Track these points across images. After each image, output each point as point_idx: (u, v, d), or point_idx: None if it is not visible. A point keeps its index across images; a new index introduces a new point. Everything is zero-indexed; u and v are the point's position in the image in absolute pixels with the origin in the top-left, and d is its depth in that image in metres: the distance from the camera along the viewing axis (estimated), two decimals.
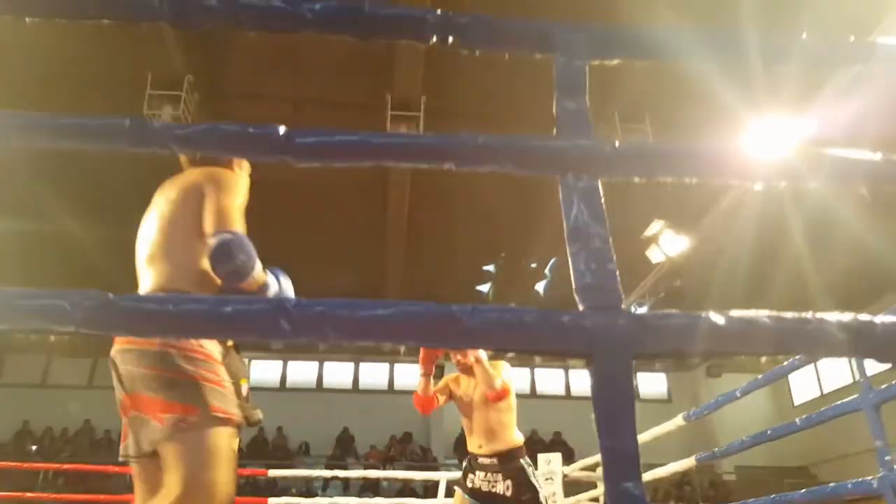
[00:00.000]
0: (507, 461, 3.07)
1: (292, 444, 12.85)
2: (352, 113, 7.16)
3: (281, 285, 1.81)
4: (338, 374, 14.17)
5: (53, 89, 6.16)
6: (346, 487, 11.89)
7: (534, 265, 10.07)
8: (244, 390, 3.39)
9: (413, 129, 6.40)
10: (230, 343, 3.49)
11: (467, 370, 3.29)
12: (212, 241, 1.52)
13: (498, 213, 8.89)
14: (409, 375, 14.21)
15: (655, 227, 8.65)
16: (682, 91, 6.19)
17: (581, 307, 0.90)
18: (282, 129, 1.00)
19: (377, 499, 6.80)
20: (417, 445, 13.29)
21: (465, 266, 10.45)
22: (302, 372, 14.03)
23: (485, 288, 10.86)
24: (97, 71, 6.20)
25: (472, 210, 9.00)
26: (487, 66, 6.33)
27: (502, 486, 3.02)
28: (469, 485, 3.15)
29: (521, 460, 3.08)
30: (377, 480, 11.16)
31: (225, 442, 1.48)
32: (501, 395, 3.06)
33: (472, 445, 3.23)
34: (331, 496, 9.50)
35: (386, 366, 14.25)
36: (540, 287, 10.45)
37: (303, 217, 9.19)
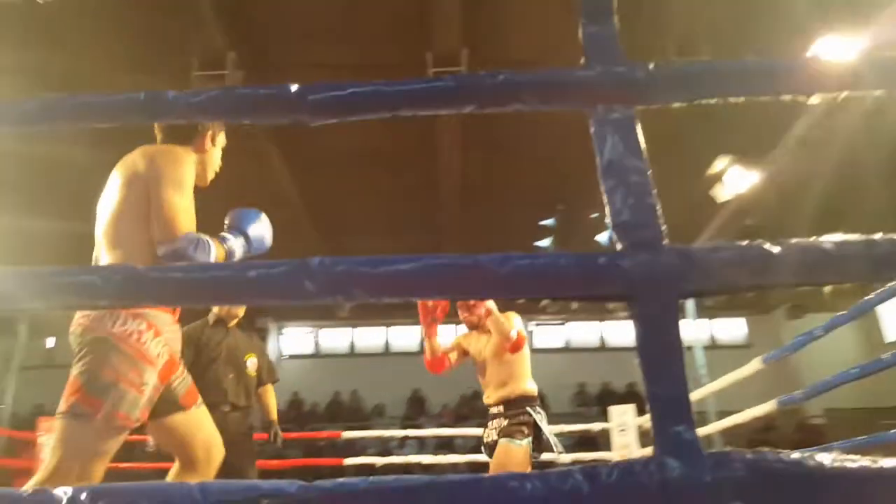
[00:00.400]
0: (512, 407, 2.95)
1: (366, 406, 13.26)
2: (391, 76, 7.06)
3: (248, 238, 1.82)
4: (405, 338, 14.42)
5: (105, 86, 6.35)
6: (422, 446, 12.19)
7: (595, 216, 9.83)
8: (249, 365, 3.49)
9: None
10: (233, 323, 3.55)
11: (475, 326, 3.20)
12: (162, 253, 1.53)
13: (555, 163, 8.66)
14: None
15: (720, 163, 8.21)
16: (741, 14, 5.80)
17: (619, 247, 0.84)
18: (294, 87, 0.96)
19: (452, 455, 6.93)
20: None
21: (523, 222, 10.31)
22: (370, 338, 14.36)
23: (544, 243, 10.71)
24: (144, 63, 6.33)
25: (528, 163, 8.82)
26: (527, 11, 6.12)
27: (503, 425, 2.93)
28: (484, 440, 3.08)
29: (528, 407, 2.95)
30: (451, 438, 11.39)
31: (105, 444, 1.49)
32: (519, 345, 2.95)
33: (485, 399, 3.16)
34: (406, 455, 9.76)
35: (451, 327, 14.40)
36: (602, 238, 10.22)
37: (356, 184, 9.25)
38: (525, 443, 2.81)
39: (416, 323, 12.63)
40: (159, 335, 1.54)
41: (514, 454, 2.77)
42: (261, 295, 0.82)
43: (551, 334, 14.26)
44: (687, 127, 6.86)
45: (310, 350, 14.53)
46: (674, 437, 0.72)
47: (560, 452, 2.96)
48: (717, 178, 8.31)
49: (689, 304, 8.31)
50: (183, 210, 1.61)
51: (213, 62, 6.18)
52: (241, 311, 3.58)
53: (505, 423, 2.93)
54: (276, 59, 6.89)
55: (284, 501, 0.72)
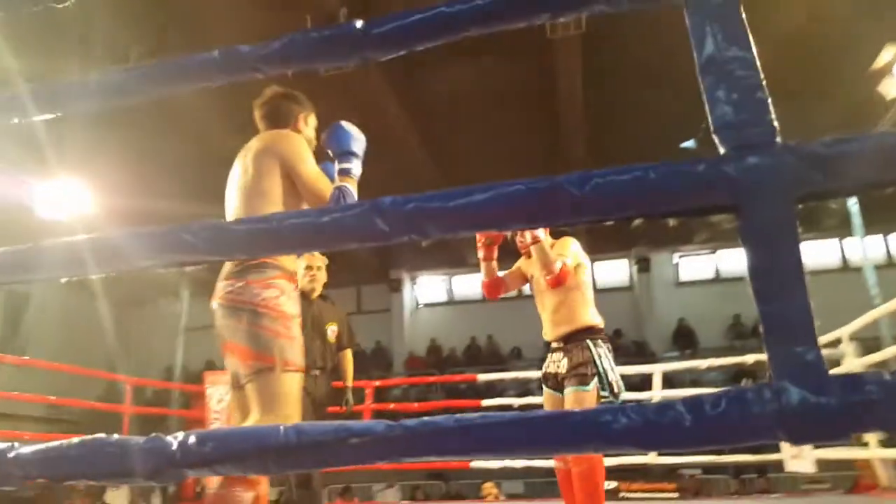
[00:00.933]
0: (572, 340, 2.76)
1: (504, 350, 13.45)
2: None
3: (356, 155, 1.91)
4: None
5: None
6: None
7: None
8: (330, 332, 3.72)
9: None
10: (315, 294, 3.71)
11: (528, 252, 2.90)
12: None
13: (685, 82, 8.04)
14: (609, 273, 13.96)
15: (887, 54, 7.09)
16: None
17: (721, 150, 0.73)
18: (358, 23, 0.93)
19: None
20: (630, 341, 13.14)
21: (656, 146, 9.72)
22: None
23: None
24: (258, 24, 6.57)
25: (661, 81, 8.27)
26: None
27: (564, 365, 2.73)
28: (543, 370, 2.90)
29: (589, 340, 2.74)
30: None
31: (291, 386, 1.72)
32: (561, 280, 2.70)
33: (545, 332, 2.96)
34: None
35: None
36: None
37: (476, 125, 9.16)
38: (592, 386, 2.63)
39: None
40: (290, 298, 1.77)
41: (584, 401, 2.59)
42: (337, 238, 0.81)
43: (700, 264, 13.50)
44: (844, 11, 6.03)
45: (444, 298, 14.89)
46: (793, 360, 0.63)
47: (619, 393, 2.66)
48: (885, 71, 7.22)
49: (856, 219, 7.46)
50: (319, 176, 1.84)
51: (327, 20, 6.30)
52: (320, 284, 3.76)
53: (565, 361, 2.75)
54: (386, 9, 6.91)
55: (372, 439, 0.72)
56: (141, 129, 8.23)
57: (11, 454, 0.79)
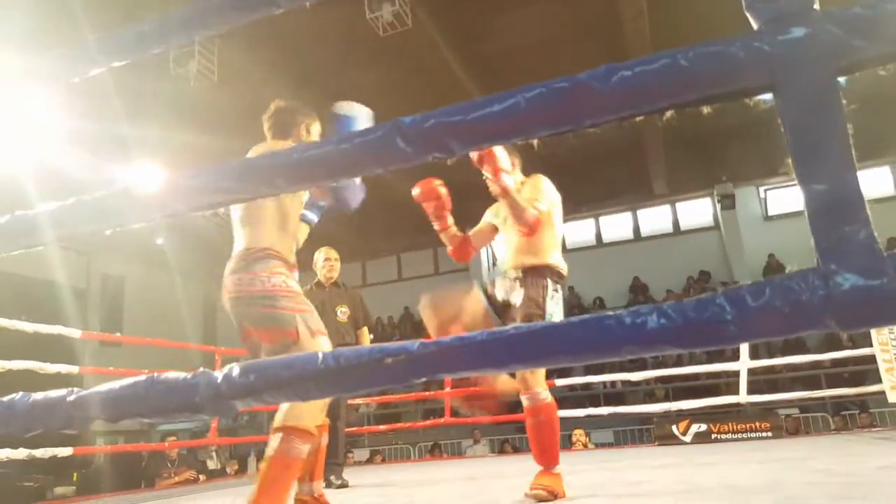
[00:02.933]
0: (533, 274, 2.64)
1: (586, 300, 13.27)
2: None
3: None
4: (617, 226, 14.00)
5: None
6: None
7: None
8: (340, 313, 4.28)
9: None
10: (329, 284, 4.29)
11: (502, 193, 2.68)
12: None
13: None
14: (693, 213, 13.43)
15: None
16: None
17: (755, 25, 0.67)
18: None
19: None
20: (718, 282, 12.67)
21: None
22: (579, 231, 14.16)
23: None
24: None
25: (724, 15, 7.78)
26: None
27: (518, 297, 2.61)
28: (490, 290, 2.72)
29: (549, 279, 2.64)
30: None
31: (322, 347, 1.91)
32: (534, 229, 2.57)
33: (506, 261, 2.79)
34: None
35: (667, 208, 13.63)
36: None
37: (542, 77, 8.93)
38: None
39: (627, 209, 12.20)
40: (293, 280, 2.00)
41: None
42: (360, 162, 0.80)
43: (789, 196, 12.67)
44: None
45: None
46: (842, 241, 0.57)
47: None
48: None
49: None
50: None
51: None
52: (335, 273, 4.42)
53: (521, 293, 2.62)
54: None
55: (407, 358, 0.72)
56: (213, 119, 8.52)
57: (71, 398, 0.84)
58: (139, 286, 13.53)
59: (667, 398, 9.76)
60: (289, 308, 1.92)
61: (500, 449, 9.65)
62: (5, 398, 0.89)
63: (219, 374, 0.79)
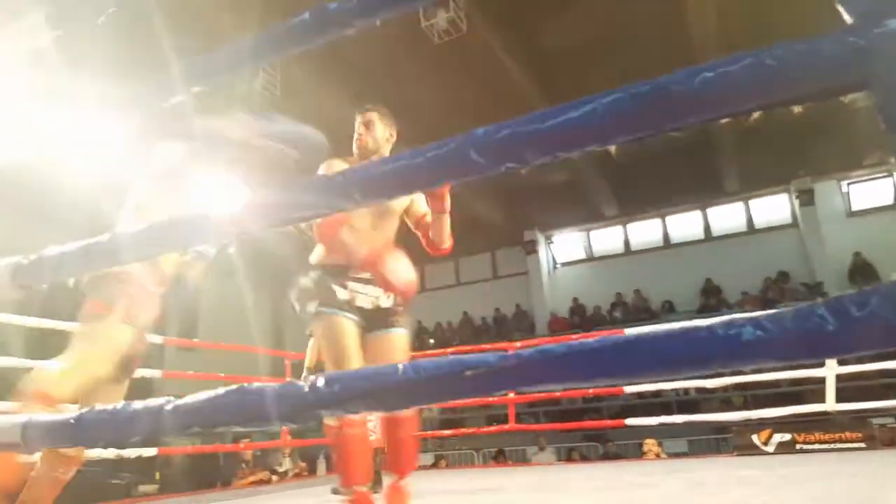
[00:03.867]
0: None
1: (654, 304, 12.92)
2: None
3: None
4: (685, 225, 13.58)
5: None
6: None
7: None
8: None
9: None
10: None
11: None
12: None
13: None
14: (769, 211, 12.89)
15: None
16: None
17: (848, 19, 0.63)
18: None
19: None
20: (798, 283, 12.09)
21: None
22: (645, 232, 13.82)
23: None
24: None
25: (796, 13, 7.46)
26: None
27: (389, 300, 2.58)
28: (347, 299, 2.49)
29: None
30: None
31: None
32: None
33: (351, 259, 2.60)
34: None
35: (740, 205, 13.12)
36: None
37: (599, 71, 8.80)
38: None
39: (696, 207, 11.84)
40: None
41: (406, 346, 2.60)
42: (434, 176, 0.80)
43: (875, 189, 11.96)
44: None
45: (583, 254, 14.55)
46: None
47: None
48: None
49: None
50: None
51: None
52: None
53: (390, 296, 2.58)
54: None
55: (487, 371, 0.72)
56: None
57: (168, 407, 0.88)
58: (212, 293, 14.07)
59: (745, 406, 9.39)
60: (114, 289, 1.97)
61: (567, 457, 9.52)
62: (108, 406, 0.94)
63: (305, 385, 0.81)
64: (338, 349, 2.33)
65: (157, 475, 9.24)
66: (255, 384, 0.87)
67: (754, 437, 5.84)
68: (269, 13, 6.53)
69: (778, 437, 5.68)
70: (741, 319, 0.62)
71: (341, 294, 2.45)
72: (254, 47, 1.04)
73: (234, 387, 0.87)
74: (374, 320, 2.51)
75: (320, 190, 0.87)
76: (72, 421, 0.99)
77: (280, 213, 0.92)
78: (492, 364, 0.71)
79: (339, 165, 2.46)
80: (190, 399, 0.90)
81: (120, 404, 0.96)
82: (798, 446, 5.59)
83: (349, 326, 2.39)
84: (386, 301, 2.56)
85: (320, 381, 0.82)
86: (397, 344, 2.52)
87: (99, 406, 0.98)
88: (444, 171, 0.79)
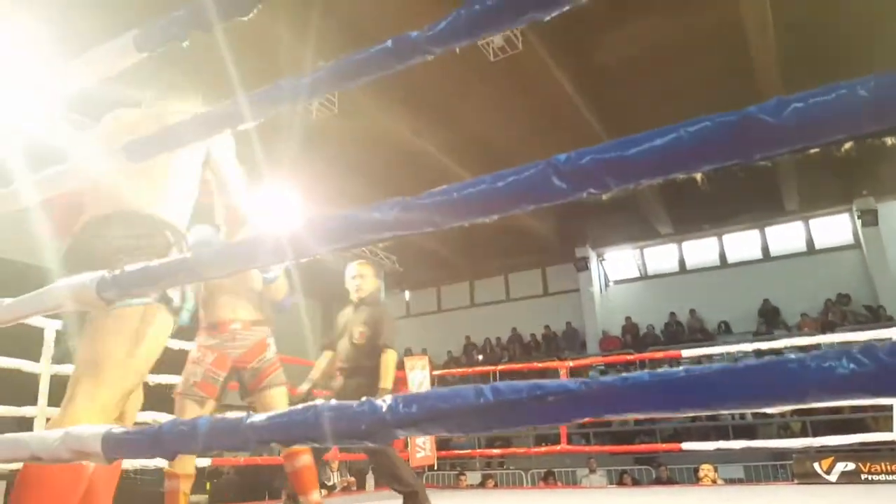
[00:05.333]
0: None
1: (710, 325, 12.58)
2: None
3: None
4: (743, 245, 13.22)
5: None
6: None
7: None
8: (357, 334, 3.96)
9: None
10: (356, 300, 4.02)
11: None
12: None
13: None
14: (830, 231, 12.44)
15: None
16: None
17: None
18: None
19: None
20: (861, 305, 11.61)
21: None
22: (701, 250, 13.50)
23: None
24: (424, 17, 6.82)
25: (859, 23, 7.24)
26: None
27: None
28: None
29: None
30: (818, 349, 10.21)
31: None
32: None
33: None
34: None
35: (799, 225, 12.71)
36: None
37: (651, 85, 8.70)
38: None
39: (754, 227, 11.58)
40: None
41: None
42: (514, 201, 0.81)
43: None
44: None
45: (636, 273, 14.30)
46: None
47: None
48: None
49: None
50: None
51: None
52: (364, 292, 4.07)
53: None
54: None
55: (569, 397, 0.72)
56: (339, 142, 8.97)
57: (248, 421, 0.91)
58: None
59: (804, 432, 9.03)
60: None
61: (619, 480, 9.30)
62: (189, 419, 0.98)
63: (382, 404, 0.83)
64: None
65: (208, 485, 9.45)
66: (333, 402, 0.89)
67: (816, 466, 5.60)
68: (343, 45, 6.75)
69: (841, 466, 5.43)
70: (834, 352, 0.60)
71: None
72: (331, 74, 1.08)
73: (311, 403, 0.89)
74: None
75: (399, 213, 0.89)
76: (151, 434, 1.03)
77: (355, 233, 0.94)
78: (573, 390, 0.71)
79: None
80: (268, 415, 0.92)
81: (199, 418, 0.99)
82: (863, 476, 5.33)
83: None
84: None
85: (398, 401, 0.83)
86: None
87: (178, 419, 1.02)
88: (525, 196, 0.80)
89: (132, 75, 1.39)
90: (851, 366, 0.59)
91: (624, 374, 0.71)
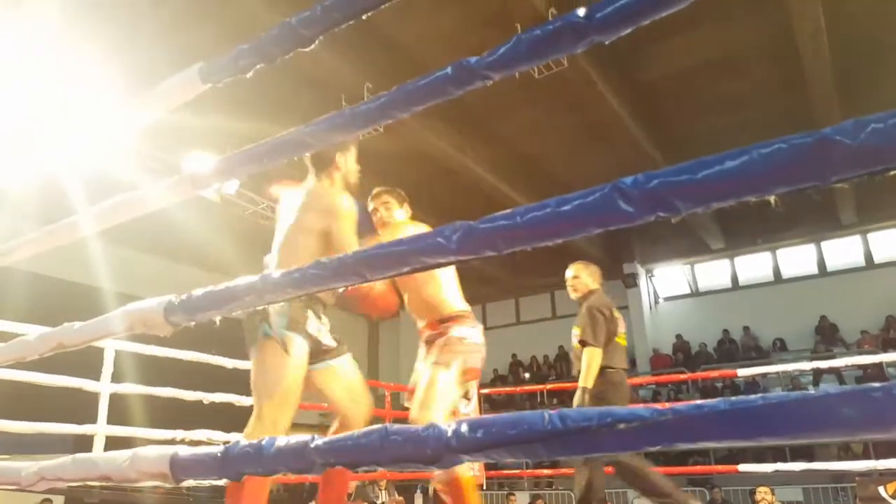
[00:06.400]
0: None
1: (764, 342, 12.19)
2: None
3: None
4: (797, 260, 12.80)
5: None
6: (841, 380, 10.75)
7: None
8: (573, 336, 3.80)
9: None
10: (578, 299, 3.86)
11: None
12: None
13: None
14: (889, 245, 11.96)
15: None
16: None
17: None
18: (581, 12, 0.93)
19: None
20: None
21: None
22: (754, 266, 13.11)
23: None
24: (476, 47, 6.89)
25: None
26: None
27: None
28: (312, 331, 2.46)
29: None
30: (880, 368, 9.78)
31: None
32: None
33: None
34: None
35: (856, 238, 12.25)
36: None
37: (702, 98, 8.56)
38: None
39: (809, 241, 11.21)
40: None
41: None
42: (579, 225, 0.81)
43: None
44: None
45: (687, 289, 13.97)
46: None
47: None
48: None
49: None
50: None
51: (534, 22, 6.40)
52: (577, 293, 3.94)
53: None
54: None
55: (641, 425, 0.70)
56: (381, 159, 9.09)
57: (312, 444, 0.92)
58: None
59: (866, 454, 8.64)
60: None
61: None
62: (255, 440, 1.00)
63: (448, 429, 0.83)
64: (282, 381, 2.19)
65: None
66: (397, 425, 0.89)
67: (881, 489, 5.35)
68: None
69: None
70: None
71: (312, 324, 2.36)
72: (392, 100, 1.10)
73: (377, 426, 0.90)
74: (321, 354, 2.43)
75: (462, 238, 0.89)
76: (218, 455, 1.05)
77: (417, 258, 0.95)
78: (646, 419, 0.70)
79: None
80: (335, 437, 0.93)
81: (265, 439, 1.01)
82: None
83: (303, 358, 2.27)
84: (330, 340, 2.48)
85: (463, 426, 0.83)
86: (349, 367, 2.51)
87: (244, 441, 1.04)
88: (591, 220, 0.80)
89: None
90: None
91: (699, 402, 0.69)
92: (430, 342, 2.75)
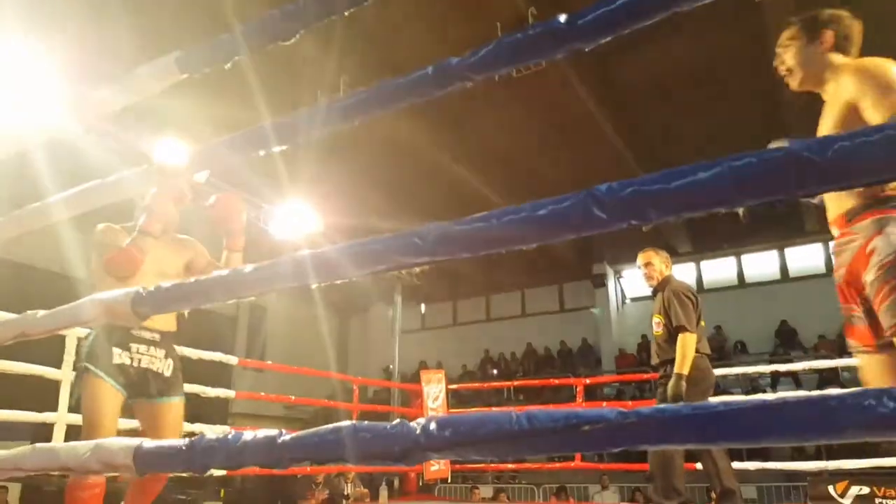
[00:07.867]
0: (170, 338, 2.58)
1: (726, 344, 12.45)
2: None
3: None
4: (762, 265, 13.09)
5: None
6: (798, 383, 11.03)
7: None
8: (654, 325, 3.74)
9: None
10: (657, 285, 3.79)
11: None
12: None
13: None
14: None
15: None
16: None
17: None
18: (562, 17, 0.94)
19: (833, 390, 6.11)
20: None
21: None
22: (719, 270, 13.39)
23: None
24: (457, 44, 6.88)
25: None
26: None
27: (168, 367, 2.50)
28: (119, 361, 2.37)
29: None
30: (835, 372, 10.07)
31: None
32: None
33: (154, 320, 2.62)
34: (779, 394, 8.95)
35: (818, 246, 12.57)
36: None
37: (676, 108, 8.68)
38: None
39: (773, 247, 11.42)
40: None
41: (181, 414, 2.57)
42: (553, 231, 0.82)
43: None
44: None
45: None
46: None
47: None
48: None
49: None
50: None
51: (515, 22, 6.41)
52: (653, 281, 3.89)
53: (170, 362, 2.59)
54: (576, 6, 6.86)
55: (606, 427, 0.72)
56: (359, 154, 9.04)
57: (280, 440, 0.92)
58: (280, 315, 14.47)
59: (818, 454, 8.90)
60: None
61: (631, 497, 9.20)
62: (222, 435, 0.99)
63: (416, 426, 0.84)
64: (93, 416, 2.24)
65: (222, 493, 9.47)
66: (366, 423, 0.90)
67: (830, 489, 5.53)
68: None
69: (856, 490, 5.36)
70: (874, 391, 0.61)
71: (118, 358, 2.34)
72: (371, 97, 1.10)
73: (346, 423, 0.90)
74: (148, 385, 2.41)
75: (438, 239, 0.90)
76: (183, 447, 1.04)
77: (394, 257, 0.95)
78: (611, 420, 0.72)
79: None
80: (303, 433, 0.93)
81: (231, 433, 1.01)
82: (878, 500, 5.26)
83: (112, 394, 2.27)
84: (167, 369, 2.49)
85: (432, 424, 0.84)
86: (176, 413, 2.46)
87: (210, 434, 1.04)
88: (564, 226, 0.81)
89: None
90: (892, 404, 0.60)
91: (662, 406, 0.71)
92: None
